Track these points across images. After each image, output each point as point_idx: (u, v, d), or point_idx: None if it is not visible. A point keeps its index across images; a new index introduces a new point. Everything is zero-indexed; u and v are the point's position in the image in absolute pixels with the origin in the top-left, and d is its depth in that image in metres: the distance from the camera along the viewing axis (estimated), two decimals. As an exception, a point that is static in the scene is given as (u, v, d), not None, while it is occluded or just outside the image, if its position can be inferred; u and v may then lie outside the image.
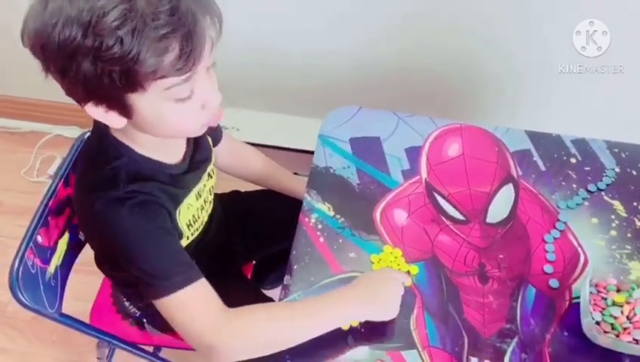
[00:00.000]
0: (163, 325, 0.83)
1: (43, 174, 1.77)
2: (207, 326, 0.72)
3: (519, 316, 0.82)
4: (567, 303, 0.84)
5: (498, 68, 1.47)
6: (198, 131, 0.77)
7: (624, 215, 0.95)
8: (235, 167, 1.08)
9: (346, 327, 0.78)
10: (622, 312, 0.79)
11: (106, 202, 0.72)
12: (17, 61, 1.40)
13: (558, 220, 0.93)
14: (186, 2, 0.62)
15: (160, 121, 0.70)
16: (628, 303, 0.79)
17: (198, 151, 0.87)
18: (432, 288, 0.85)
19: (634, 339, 0.76)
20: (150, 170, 0.77)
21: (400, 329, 0.80)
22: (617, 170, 1.01)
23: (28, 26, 0.64)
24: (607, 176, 1.00)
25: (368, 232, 0.91)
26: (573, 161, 1.03)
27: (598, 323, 0.78)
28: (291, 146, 1.59)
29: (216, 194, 0.99)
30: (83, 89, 0.64)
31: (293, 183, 1.10)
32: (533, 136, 1.06)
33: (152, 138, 0.75)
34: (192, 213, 0.86)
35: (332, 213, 0.93)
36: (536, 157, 1.03)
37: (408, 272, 0.86)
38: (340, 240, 0.90)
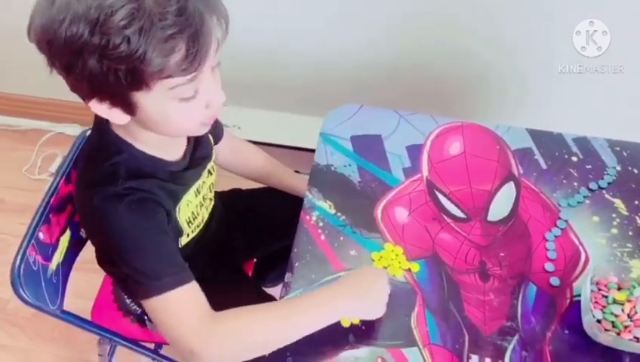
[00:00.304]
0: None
1: (44, 172, 1.77)
2: (191, 330, 0.70)
3: (520, 314, 0.82)
4: (568, 301, 0.84)
5: (499, 67, 1.47)
6: (198, 131, 0.78)
7: (625, 213, 0.95)
8: (236, 164, 1.08)
9: (346, 325, 0.78)
10: (623, 310, 0.78)
11: (104, 197, 0.72)
12: (19, 59, 1.40)
13: (559, 218, 0.93)
14: (193, 2, 0.62)
15: (164, 120, 0.71)
16: (629, 301, 0.79)
17: (199, 148, 0.87)
18: (433, 286, 0.85)
19: (635, 337, 0.76)
20: (150, 167, 0.77)
21: (401, 327, 0.80)
22: (618, 168, 1.01)
23: (34, 21, 0.64)
24: (608, 174, 1.00)
25: (369, 230, 0.91)
26: (574, 159, 1.03)
27: (599, 321, 0.78)
28: (292, 144, 1.59)
29: (217, 192, 0.99)
30: (88, 85, 0.65)
31: (295, 181, 1.11)
32: (535, 135, 1.06)
33: (153, 135, 0.75)
34: (192, 210, 0.86)
35: (333, 211, 0.93)
36: (537, 156, 1.03)
37: (409, 270, 0.86)
38: (341, 238, 0.90)
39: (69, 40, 0.61)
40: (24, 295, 0.80)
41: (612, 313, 0.78)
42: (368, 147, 1.03)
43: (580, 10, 1.24)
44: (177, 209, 0.81)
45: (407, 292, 0.83)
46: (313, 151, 1.03)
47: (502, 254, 0.89)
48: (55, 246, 0.89)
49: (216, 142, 0.97)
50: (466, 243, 0.90)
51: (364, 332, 0.79)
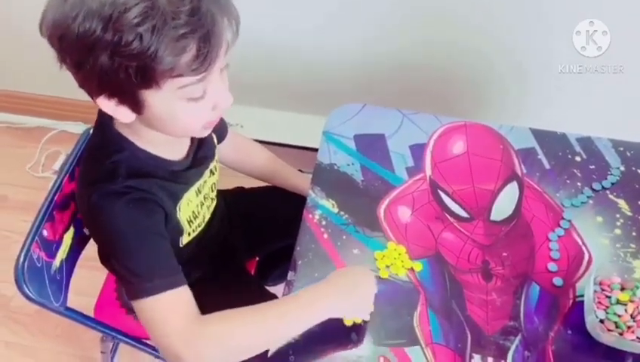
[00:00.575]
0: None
1: (48, 170, 1.78)
2: (176, 333, 0.69)
3: (523, 313, 0.82)
4: (571, 301, 0.84)
5: (499, 66, 1.47)
6: (200, 133, 0.78)
7: (629, 213, 0.95)
8: (240, 162, 1.08)
9: (349, 324, 0.79)
10: (626, 310, 0.78)
11: (103, 195, 0.72)
12: (23, 57, 1.41)
13: (563, 218, 0.93)
14: (206, 3, 0.63)
15: (170, 119, 0.71)
16: (632, 301, 0.79)
17: (202, 147, 0.87)
18: (436, 285, 0.85)
19: (637, 338, 0.76)
20: (151, 166, 0.77)
21: (403, 326, 0.80)
22: (622, 168, 1.01)
23: (47, 16, 0.64)
24: (612, 174, 1.00)
25: (372, 229, 0.91)
26: (578, 159, 1.02)
27: (601, 321, 0.78)
28: (295, 143, 1.59)
29: (220, 191, 0.99)
30: (98, 82, 0.65)
31: (298, 180, 1.10)
32: (538, 134, 1.06)
33: (158, 134, 0.75)
34: (192, 210, 0.86)
35: (336, 210, 0.93)
36: (540, 156, 1.03)
37: (412, 269, 0.86)
38: (344, 237, 0.90)
39: (81, 36, 0.61)
40: (28, 292, 0.80)
41: (615, 313, 0.78)
42: (371, 146, 1.03)
43: (579, 10, 1.24)
44: (178, 208, 0.81)
45: (410, 292, 0.83)
46: (316, 150, 1.03)
47: (505, 254, 0.89)
48: (59, 244, 0.89)
49: (219, 141, 0.97)
50: (468, 242, 0.90)
51: (366, 332, 0.79)
